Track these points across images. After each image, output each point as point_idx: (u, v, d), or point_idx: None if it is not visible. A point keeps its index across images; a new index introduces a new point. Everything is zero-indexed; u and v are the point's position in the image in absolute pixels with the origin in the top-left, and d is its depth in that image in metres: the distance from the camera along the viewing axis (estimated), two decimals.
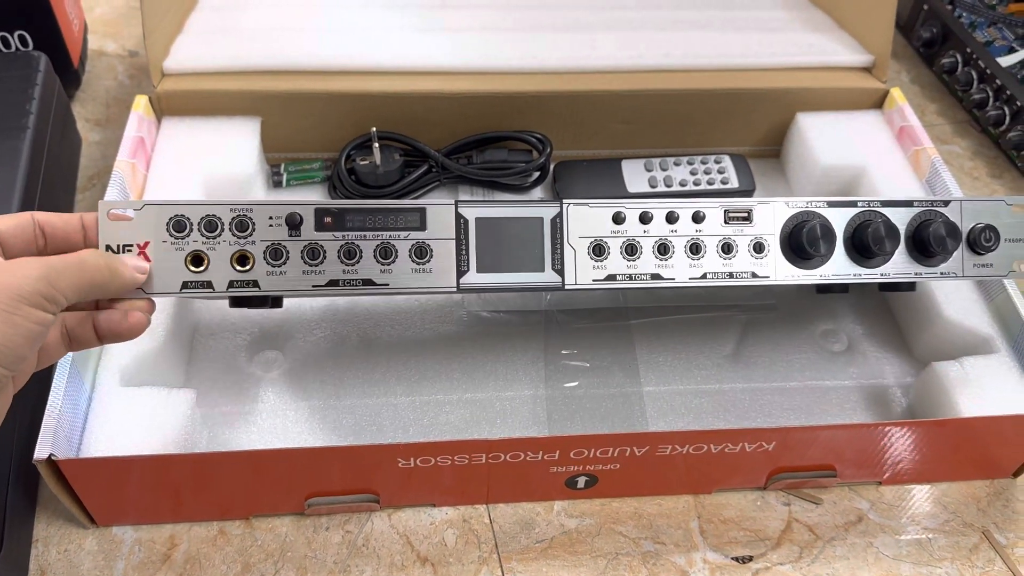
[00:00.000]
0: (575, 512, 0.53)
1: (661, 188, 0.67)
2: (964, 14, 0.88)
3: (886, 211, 0.49)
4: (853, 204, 0.49)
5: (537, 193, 0.69)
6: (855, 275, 0.49)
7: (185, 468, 0.48)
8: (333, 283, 0.44)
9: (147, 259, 0.43)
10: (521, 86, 0.67)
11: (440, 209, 0.45)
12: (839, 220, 0.49)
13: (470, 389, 0.57)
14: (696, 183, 0.68)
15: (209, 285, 0.44)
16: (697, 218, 0.47)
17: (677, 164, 0.69)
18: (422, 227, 0.45)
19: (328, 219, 0.44)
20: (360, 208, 0.44)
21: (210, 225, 0.43)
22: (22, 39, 0.71)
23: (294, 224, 0.43)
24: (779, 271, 0.48)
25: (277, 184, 0.68)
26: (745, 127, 0.71)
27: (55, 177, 0.63)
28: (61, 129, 0.67)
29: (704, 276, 0.48)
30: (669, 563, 0.51)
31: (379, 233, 0.44)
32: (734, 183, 0.68)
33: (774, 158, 0.74)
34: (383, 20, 0.73)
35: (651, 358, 0.59)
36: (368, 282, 0.45)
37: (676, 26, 0.74)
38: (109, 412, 0.49)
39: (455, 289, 0.46)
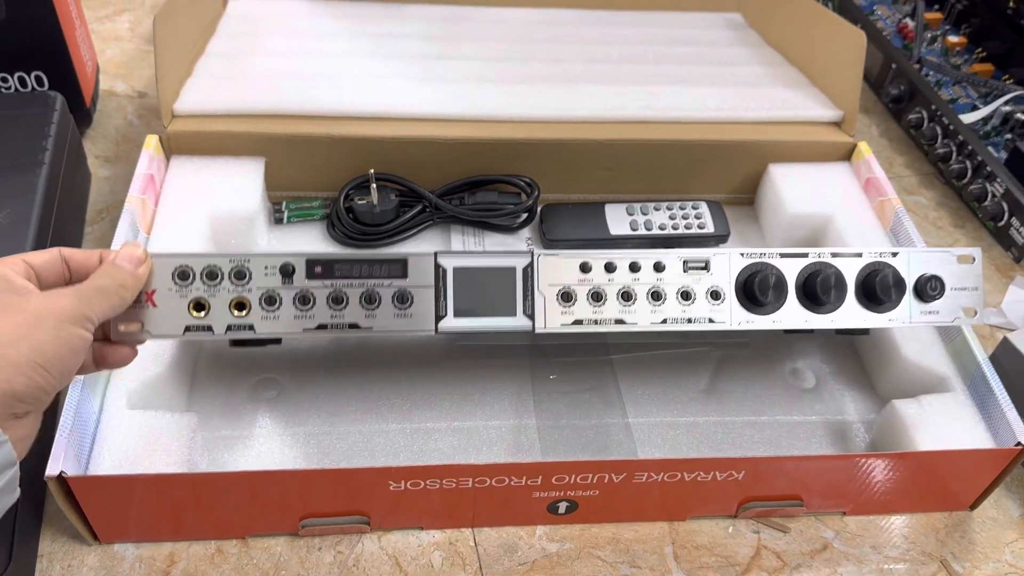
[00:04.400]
0: (556, 536, 0.56)
1: (641, 231, 0.71)
2: (931, 73, 0.93)
3: (836, 262, 0.53)
4: (804, 255, 0.53)
5: (525, 234, 0.73)
6: (806, 321, 0.53)
7: (185, 487, 0.50)
8: (322, 327, 0.49)
9: (154, 305, 0.47)
10: (511, 133, 0.71)
11: (420, 259, 0.49)
12: (791, 270, 0.52)
13: (458, 418, 0.60)
14: (675, 227, 0.72)
15: (209, 328, 0.48)
16: (658, 267, 0.51)
17: (657, 209, 0.73)
18: (404, 275, 0.49)
19: (318, 268, 0.48)
20: (347, 259, 0.48)
21: (211, 274, 0.47)
22: (38, 79, 0.75)
23: (287, 273, 0.48)
24: (734, 316, 0.52)
25: (278, 221, 0.71)
26: (721, 176, 0.76)
27: (67, 210, 0.67)
28: (74, 165, 0.70)
29: (664, 321, 0.52)
30: None
31: (364, 281, 0.48)
32: (710, 228, 0.72)
33: (748, 205, 0.78)
34: (383, 69, 0.77)
35: (630, 391, 0.62)
36: (354, 325, 0.49)
37: (657, 80, 0.78)
38: (115, 433, 0.52)
39: (433, 332, 0.50)
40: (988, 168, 0.80)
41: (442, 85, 0.75)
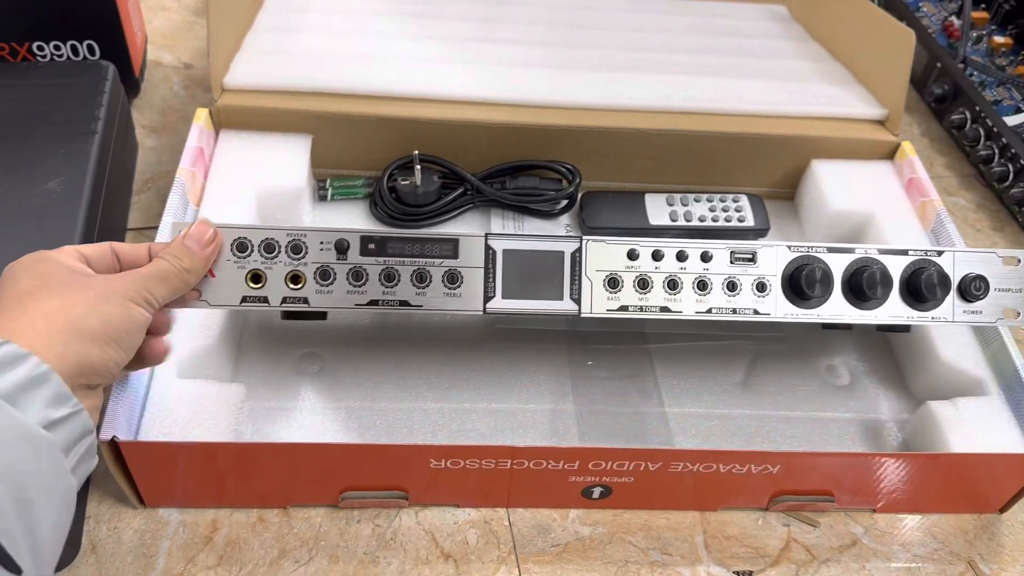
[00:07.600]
0: (589, 520, 0.57)
1: (681, 222, 0.72)
2: (975, 73, 0.92)
3: (882, 258, 0.53)
4: (851, 251, 0.53)
5: (564, 220, 0.74)
6: (850, 316, 0.53)
7: (230, 456, 0.52)
8: (373, 302, 0.50)
9: (212, 275, 0.48)
10: (555, 119, 0.71)
11: (471, 240, 0.50)
12: (837, 265, 0.53)
13: (496, 400, 0.61)
14: (714, 219, 0.72)
15: (265, 300, 0.49)
16: (705, 257, 0.52)
17: (697, 200, 0.73)
18: (455, 256, 0.50)
19: (372, 245, 0.49)
20: (400, 237, 0.49)
21: (268, 247, 0.48)
22: (90, 48, 0.75)
23: (342, 249, 0.49)
24: (779, 308, 0.53)
25: (322, 198, 0.72)
26: (763, 170, 0.76)
27: (116, 179, 0.68)
28: (123, 134, 0.71)
29: (709, 311, 0.53)
30: (675, 573, 0.54)
31: (416, 260, 0.49)
32: (750, 221, 0.72)
33: (789, 200, 0.78)
34: (429, 51, 0.77)
35: (667, 381, 0.63)
36: (404, 303, 0.50)
37: (702, 71, 0.78)
38: (165, 401, 0.53)
39: (481, 312, 0.51)
40: None
41: (487, 68, 0.75)
